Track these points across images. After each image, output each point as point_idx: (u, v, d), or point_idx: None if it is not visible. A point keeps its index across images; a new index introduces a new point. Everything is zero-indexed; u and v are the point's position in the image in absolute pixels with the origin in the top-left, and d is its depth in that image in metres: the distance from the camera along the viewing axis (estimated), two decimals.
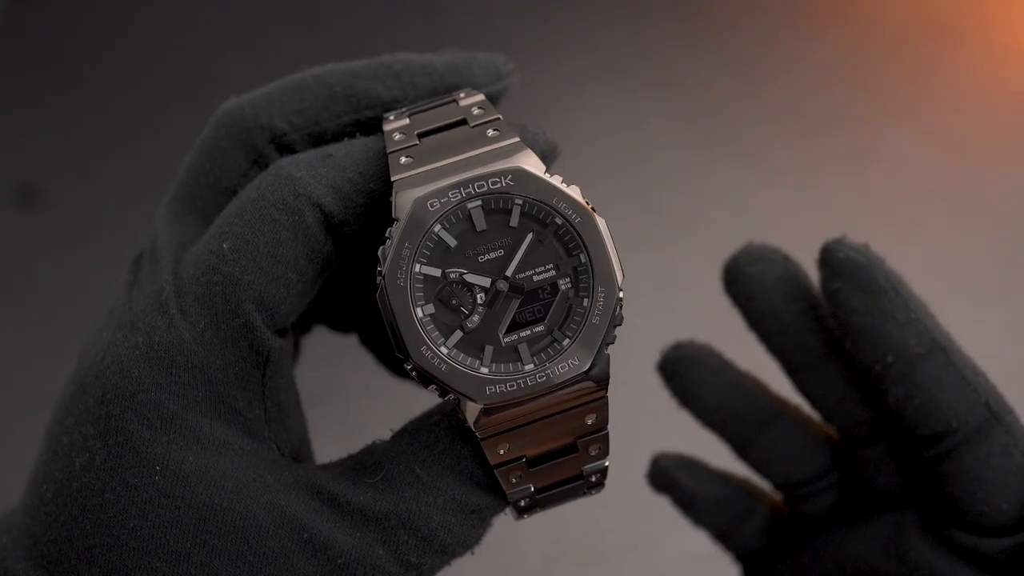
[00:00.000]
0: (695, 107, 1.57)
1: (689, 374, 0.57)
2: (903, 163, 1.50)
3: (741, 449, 0.58)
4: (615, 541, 1.23)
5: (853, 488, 0.56)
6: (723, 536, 0.59)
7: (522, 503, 0.43)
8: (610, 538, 1.23)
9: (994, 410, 0.50)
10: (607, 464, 0.43)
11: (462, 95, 0.45)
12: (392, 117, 0.44)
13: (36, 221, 1.49)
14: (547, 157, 0.44)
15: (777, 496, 0.59)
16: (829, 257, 0.52)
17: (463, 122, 0.44)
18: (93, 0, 1.67)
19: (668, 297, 1.39)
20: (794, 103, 1.56)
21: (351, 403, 1.25)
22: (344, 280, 0.50)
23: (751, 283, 0.54)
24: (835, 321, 0.52)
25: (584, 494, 0.45)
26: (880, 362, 0.50)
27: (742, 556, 0.60)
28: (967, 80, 1.56)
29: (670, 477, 0.59)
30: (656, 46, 1.63)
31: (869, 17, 1.63)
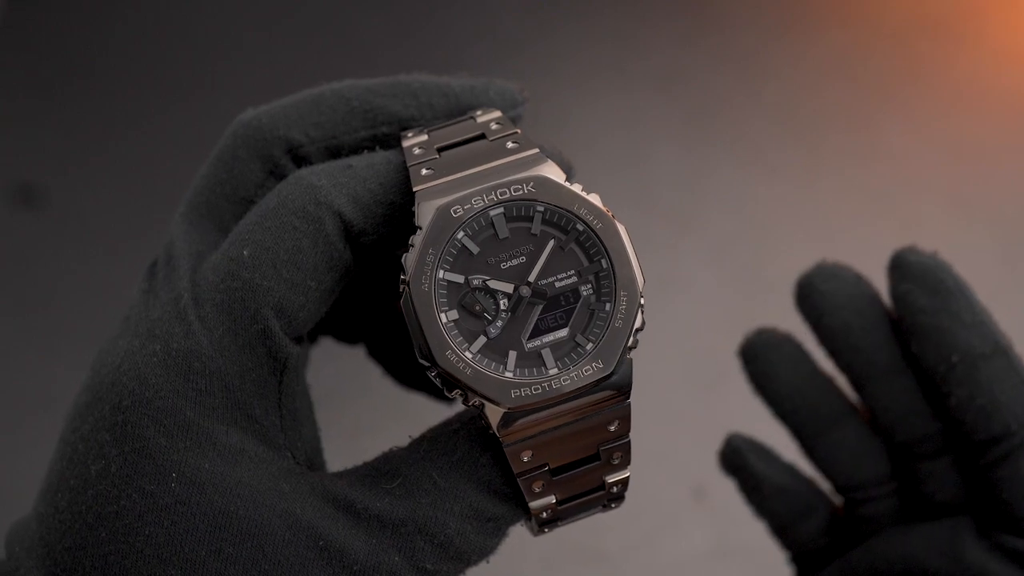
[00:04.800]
0: (695, 106, 1.57)
1: (769, 358, 0.58)
2: (903, 163, 1.50)
3: (808, 442, 0.58)
4: (616, 540, 1.23)
5: (910, 497, 0.57)
6: (782, 530, 0.60)
7: (544, 515, 0.43)
8: (611, 537, 1.23)
9: None
10: (628, 474, 0.43)
11: (479, 113, 0.45)
12: (410, 134, 0.44)
13: (36, 221, 1.49)
14: (565, 176, 0.44)
15: (837, 500, 0.60)
16: (900, 261, 0.54)
17: (482, 136, 0.44)
18: (93, 0, 1.67)
19: (668, 296, 1.39)
20: (794, 102, 1.56)
21: (348, 407, 1.25)
22: (354, 291, 0.50)
23: (824, 300, 0.56)
24: (903, 323, 0.54)
25: (604, 508, 0.45)
26: (945, 362, 0.52)
27: (796, 555, 0.60)
28: (966, 80, 1.56)
29: (742, 458, 0.60)
30: (656, 46, 1.63)
31: (869, 17, 1.63)
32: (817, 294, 0.56)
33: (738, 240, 1.45)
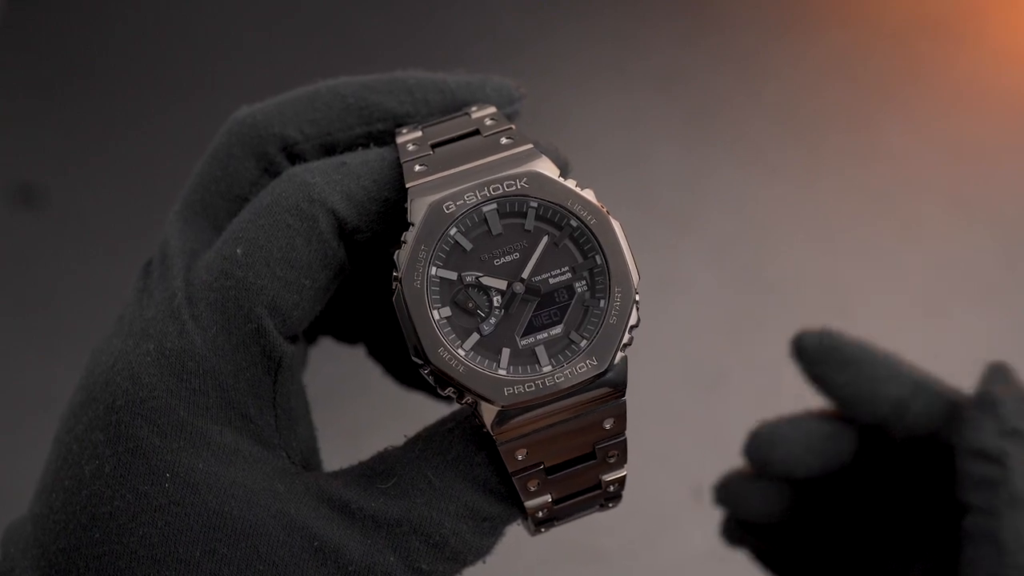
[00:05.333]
0: (695, 106, 1.57)
1: (741, 501, 0.63)
2: (903, 163, 1.50)
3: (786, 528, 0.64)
4: (615, 540, 1.23)
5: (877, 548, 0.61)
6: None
7: (540, 514, 0.43)
8: (610, 537, 1.23)
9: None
10: (624, 473, 0.43)
11: (474, 108, 0.45)
12: (405, 131, 0.44)
13: (36, 221, 1.49)
14: (560, 173, 0.44)
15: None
16: (799, 348, 0.60)
17: (476, 132, 0.44)
18: (93, 0, 1.66)
19: (668, 297, 1.39)
20: (794, 102, 1.56)
21: (347, 406, 1.25)
22: (353, 290, 0.50)
23: (786, 466, 0.60)
24: (833, 401, 0.59)
25: (601, 507, 0.44)
26: (879, 419, 0.58)
27: None
28: (966, 80, 1.56)
29: (744, 538, 0.65)
30: (656, 46, 1.63)
31: (869, 17, 1.63)
32: (776, 464, 0.60)
33: (738, 240, 1.45)
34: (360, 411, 1.25)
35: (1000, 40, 1.59)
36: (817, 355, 0.59)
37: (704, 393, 1.31)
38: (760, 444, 0.60)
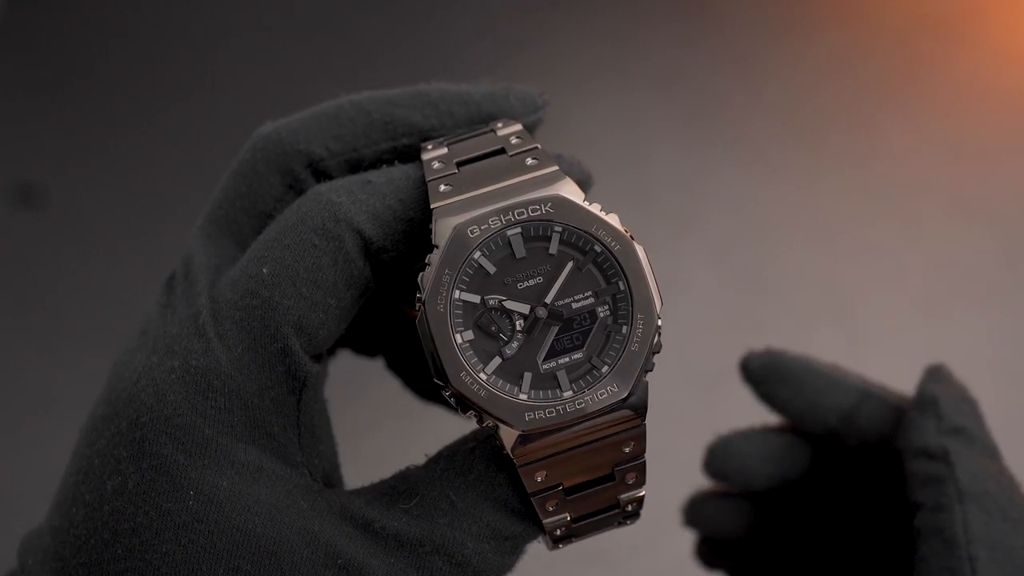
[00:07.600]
0: (695, 106, 1.57)
1: (709, 519, 0.66)
2: (903, 163, 1.50)
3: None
4: (615, 541, 1.23)
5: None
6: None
7: (558, 532, 0.43)
8: (612, 539, 1.23)
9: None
10: (643, 493, 0.43)
11: (499, 125, 0.45)
12: (430, 147, 0.44)
13: (36, 221, 1.49)
14: (582, 186, 0.43)
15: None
16: (746, 368, 0.61)
17: (501, 151, 0.43)
18: (93, 0, 1.66)
19: (668, 297, 1.39)
20: (794, 102, 1.56)
21: (348, 407, 1.25)
22: (373, 305, 0.50)
23: (743, 477, 0.61)
24: (781, 415, 0.61)
25: (619, 524, 0.44)
26: (827, 428, 0.59)
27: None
28: (966, 80, 1.56)
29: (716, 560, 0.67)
30: (656, 46, 1.63)
31: (869, 17, 1.63)
32: (734, 476, 0.61)
33: (738, 240, 1.46)
34: (361, 412, 1.25)
35: (1000, 40, 1.59)
36: (761, 374, 0.60)
37: (704, 393, 1.31)
38: (716, 457, 0.61)
